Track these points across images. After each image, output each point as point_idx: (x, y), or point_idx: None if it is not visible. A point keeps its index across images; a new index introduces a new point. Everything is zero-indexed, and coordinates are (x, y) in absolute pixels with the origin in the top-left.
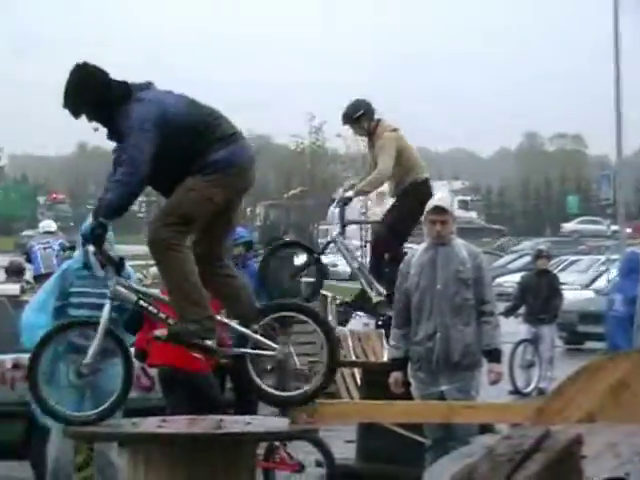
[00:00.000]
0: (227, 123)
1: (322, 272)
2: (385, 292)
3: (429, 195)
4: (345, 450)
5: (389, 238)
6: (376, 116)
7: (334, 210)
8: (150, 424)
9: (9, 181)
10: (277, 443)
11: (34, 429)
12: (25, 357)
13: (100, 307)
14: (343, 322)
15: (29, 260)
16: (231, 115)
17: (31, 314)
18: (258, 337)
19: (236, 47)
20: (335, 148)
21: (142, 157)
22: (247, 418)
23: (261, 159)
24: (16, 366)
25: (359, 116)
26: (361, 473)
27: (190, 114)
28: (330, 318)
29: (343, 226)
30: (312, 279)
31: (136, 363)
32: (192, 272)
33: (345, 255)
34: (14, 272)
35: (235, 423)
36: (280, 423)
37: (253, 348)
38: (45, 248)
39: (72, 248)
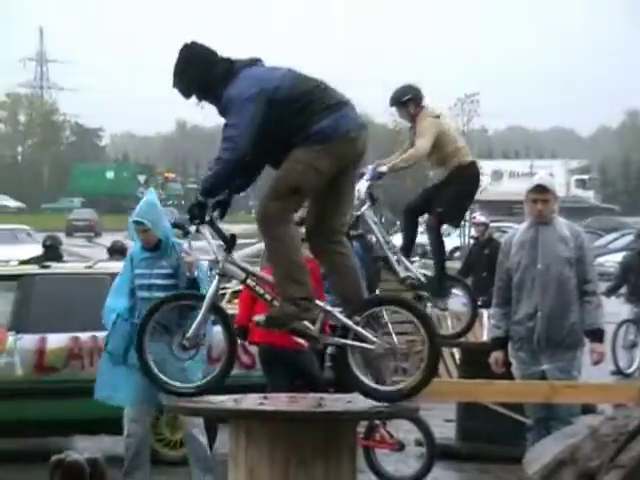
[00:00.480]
0: (333, 93)
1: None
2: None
3: (477, 176)
4: (445, 429)
5: (438, 218)
6: (423, 102)
7: (365, 184)
8: (251, 401)
9: (110, 160)
10: (377, 422)
11: None
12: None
13: (153, 288)
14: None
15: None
16: None
17: (109, 297)
18: (359, 329)
19: (332, 30)
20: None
21: (242, 133)
22: (347, 397)
23: None
24: None
25: (406, 100)
26: (461, 452)
27: (295, 87)
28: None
29: (373, 201)
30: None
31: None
32: (295, 249)
33: (374, 230)
34: (117, 251)
35: (335, 401)
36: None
37: (354, 339)
38: None
39: (175, 225)
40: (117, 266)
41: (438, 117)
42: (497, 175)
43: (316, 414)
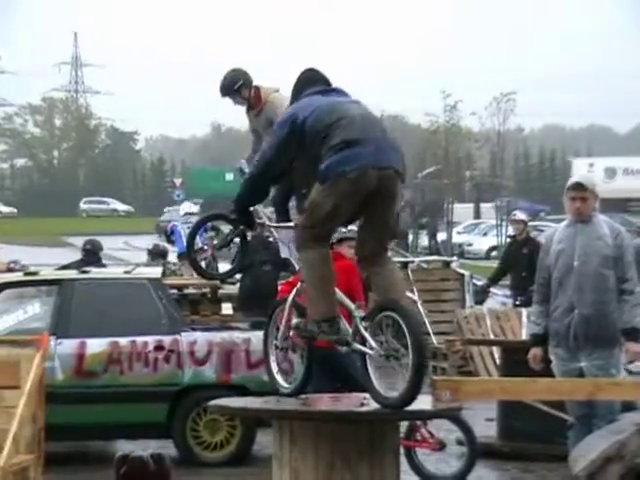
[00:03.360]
0: (353, 129)
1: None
2: None
3: None
4: (485, 428)
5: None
6: (255, 85)
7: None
8: (294, 401)
9: (147, 163)
10: (418, 421)
11: (176, 409)
12: (167, 339)
13: None
14: (480, 301)
15: (169, 241)
16: (365, 97)
17: None
18: (364, 333)
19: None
20: (469, 126)
21: (271, 157)
22: None
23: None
24: (159, 347)
25: (239, 86)
26: (502, 451)
27: (318, 120)
28: (468, 297)
29: None
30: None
31: None
32: (319, 275)
33: (266, 221)
34: (158, 254)
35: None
36: (423, 402)
37: (361, 344)
38: (188, 227)
39: (214, 228)
40: (156, 271)
41: (278, 91)
42: (610, 172)
43: (360, 414)
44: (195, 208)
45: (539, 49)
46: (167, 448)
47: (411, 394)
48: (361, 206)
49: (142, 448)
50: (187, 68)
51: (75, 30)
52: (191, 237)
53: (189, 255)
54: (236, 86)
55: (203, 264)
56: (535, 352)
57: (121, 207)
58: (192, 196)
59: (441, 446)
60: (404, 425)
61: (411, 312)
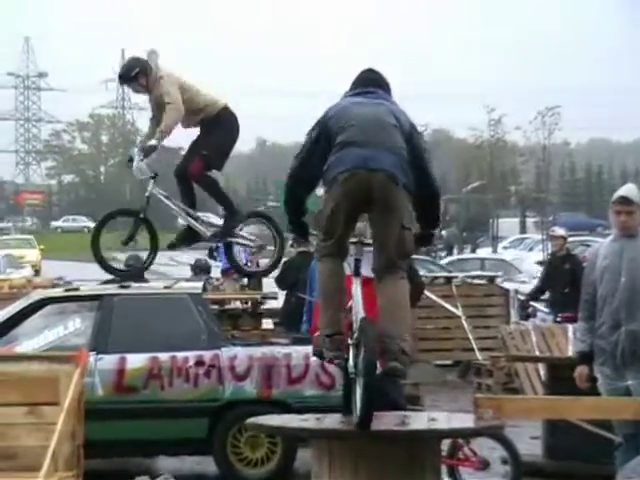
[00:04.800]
0: (353, 131)
1: (153, 228)
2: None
3: (235, 119)
4: (530, 447)
5: (201, 162)
6: (153, 69)
7: (140, 164)
8: (333, 420)
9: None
10: (461, 440)
11: (217, 425)
12: (208, 354)
13: None
14: (525, 317)
15: (212, 257)
16: (408, 110)
17: None
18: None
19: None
20: (514, 140)
21: (299, 162)
22: (432, 414)
23: (440, 153)
24: (199, 363)
25: (136, 74)
26: (547, 470)
27: (333, 123)
28: (513, 313)
29: (154, 175)
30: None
31: (316, 361)
32: (328, 286)
33: (167, 203)
34: (201, 269)
35: (418, 420)
36: (466, 420)
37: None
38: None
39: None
40: (197, 286)
41: (171, 74)
42: None
43: (400, 433)
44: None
45: (585, 62)
46: (207, 464)
47: (362, 416)
48: (359, 213)
49: (149, 475)
50: (232, 85)
51: (122, 47)
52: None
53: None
54: (133, 73)
55: (245, 281)
56: (581, 370)
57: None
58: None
59: (484, 465)
60: (446, 443)
61: (368, 331)
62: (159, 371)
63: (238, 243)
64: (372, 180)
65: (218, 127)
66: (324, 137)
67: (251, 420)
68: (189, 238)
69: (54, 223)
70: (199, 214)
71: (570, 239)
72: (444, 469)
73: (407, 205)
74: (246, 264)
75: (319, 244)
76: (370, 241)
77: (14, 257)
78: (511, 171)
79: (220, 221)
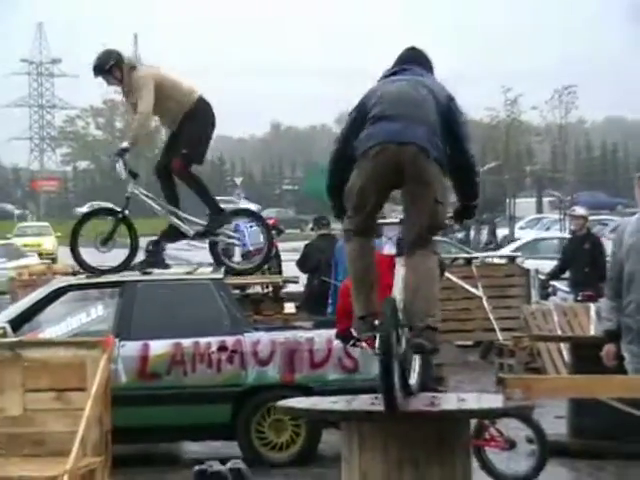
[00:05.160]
0: (384, 105)
1: (134, 229)
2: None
3: (210, 109)
4: (555, 426)
5: (184, 162)
6: (129, 64)
7: (117, 166)
8: (363, 402)
9: (206, 163)
10: (487, 420)
11: (240, 410)
12: (230, 339)
13: None
14: (545, 297)
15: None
16: None
17: None
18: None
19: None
20: (530, 120)
21: (339, 144)
22: (460, 395)
23: None
24: (222, 348)
25: (111, 66)
26: (573, 449)
27: (367, 100)
28: (533, 292)
29: (132, 175)
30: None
31: (339, 345)
32: (355, 266)
33: (149, 202)
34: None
35: (448, 400)
36: (494, 400)
37: None
38: (252, 226)
39: (275, 228)
40: (219, 272)
41: (148, 71)
42: None
43: (429, 413)
44: (256, 207)
45: (599, 40)
46: (232, 448)
47: (383, 396)
48: (390, 188)
49: (219, 459)
50: (246, 66)
51: (135, 31)
52: None
53: None
54: (107, 66)
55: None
56: (609, 349)
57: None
58: (311, 197)
59: (511, 445)
60: (472, 424)
61: (387, 309)
62: (182, 357)
63: (222, 241)
64: (402, 154)
65: (195, 121)
66: (360, 117)
67: (281, 403)
68: (172, 236)
69: (79, 209)
70: (182, 213)
71: (590, 218)
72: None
73: (440, 179)
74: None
75: (346, 221)
76: (395, 220)
77: (16, 247)
78: (526, 151)
79: (198, 221)
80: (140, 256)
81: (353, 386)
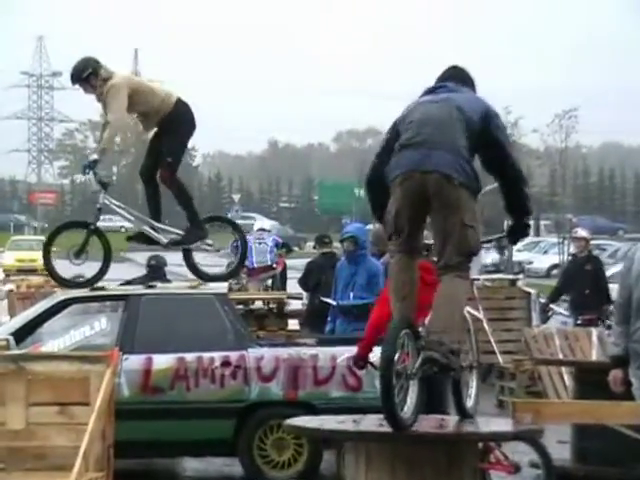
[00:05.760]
0: (410, 131)
1: (107, 241)
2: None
3: (189, 111)
4: (558, 451)
5: (170, 170)
6: (105, 71)
7: (88, 177)
8: (371, 422)
9: (203, 179)
10: (492, 443)
11: (243, 426)
12: (234, 354)
13: None
14: (545, 320)
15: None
16: None
17: None
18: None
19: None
20: (530, 144)
21: (376, 159)
22: (469, 418)
23: None
24: (225, 363)
25: (88, 75)
26: (578, 475)
27: (401, 119)
28: (534, 316)
29: (103, 185)
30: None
31: (344, 363)
32: (394, 279)
33: (120, 212)
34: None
35: (456, 423)
36: (504, 424)
37: None
38: (260, 243)
39: (285, 246)
40: (222, 286)
41: (124, 76)
42: None
43: (439, 435)
44: (269, 225)
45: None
46: (235, 466)
47: (384, 413)
48: (423, 212)
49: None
50: (244, 85)
51: (136, 47)
52: None
53: None
54: (84, 74)
55: (270, 282)
56: (616, 374)
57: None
58: (323, 211)
59: (516, 469)
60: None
61: (390, 326)
62: (185, 372)
63: (195, 248)
64: (426, 181)
65: (177, 125)
66: (393, 137)
67: (288, 421)
68: (145, 241)
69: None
70: (159, 224)
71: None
72: None
73: (467, 203)
74: (272, 266)
75: (391, 243)
76: None
77: None
78: (527, 174)
79: (171, 229)
80: (136, 270)
81: (357, 404)
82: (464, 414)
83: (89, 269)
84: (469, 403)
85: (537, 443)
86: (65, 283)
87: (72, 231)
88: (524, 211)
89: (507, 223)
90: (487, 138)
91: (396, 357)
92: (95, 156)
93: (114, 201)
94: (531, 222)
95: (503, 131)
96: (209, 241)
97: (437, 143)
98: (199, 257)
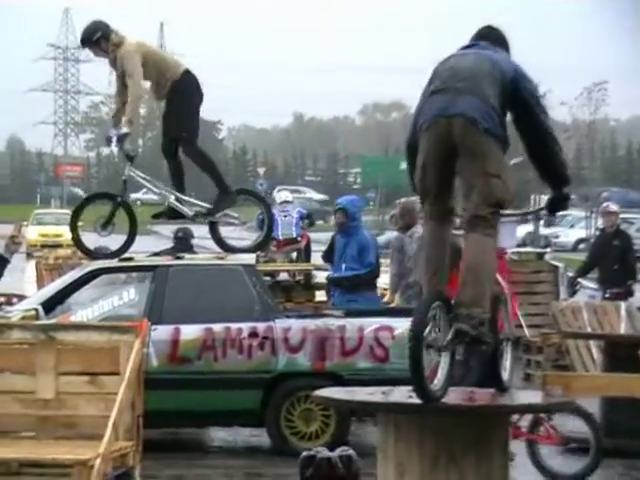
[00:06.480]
0: (438, 79)
1: (131, 212)
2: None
3: (195, 81)
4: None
5: (189, 145)
6: (116, 36)
7: (113, 149)
8: (400, 394)
9: (228, 153)
10: (542, 415)
11: (270, 397)
12: (261, 325)
13: None
14: (573, 294)
15: (261, 229)
16: None
17: None
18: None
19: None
20: (556, 117)
21: (412, 120)
22: (498, 390)
23: None
24: (253, 334)
25: (98, 38)
26: (605, 448)
27: (431, 77)
28: (562, 289)
29: (129, 158)
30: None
31: (370, 333)
32: (426, 248)
33: (146, 184)
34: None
35: (486, 395)
36: (534, 396)
37: None
38: (285, 216)
39: (309, 217)
40: (250, 257)
41: (136, 43)
42: None
43: (468, 408)
44: (291, 197)
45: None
46: (261, 436)
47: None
48: (450, 166)
49: (329, 448)
50: (270, 58)
51: (161, 20)
52: None
53: None
54: (94, 37)
55: (294, 255)
56: None
57: (316, 196)
58: (367, 185)
59: (565, 442)
60: (527, 419)
61: (420, 302)
62: (213, 342)
63: (221, 221)
64: (451, 126)
65: (184, 95)
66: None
67: (317, 392)
68: (172, 215)
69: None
70: (184, 196)
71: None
72: (524, 445)
73: (493, 150)
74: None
75: (422, 206)
76: (508, 211)
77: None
78: None
79: (195, 202)
80: (163, 243)
81: (384, 376)
82: (500, 386)
83: (115, 242)
84: (505, 376)
85: (589, 416)
86: (91, 254)
87: (99, 203)
88: (561, 179)
89: (533, 198)
90: (518, 96)
91: (427, 330)
92: (125, 130)
93: (139, 173)
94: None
95: (534, 90)
96: (234, 214)
97: (463, 89)
98: (226, 231)
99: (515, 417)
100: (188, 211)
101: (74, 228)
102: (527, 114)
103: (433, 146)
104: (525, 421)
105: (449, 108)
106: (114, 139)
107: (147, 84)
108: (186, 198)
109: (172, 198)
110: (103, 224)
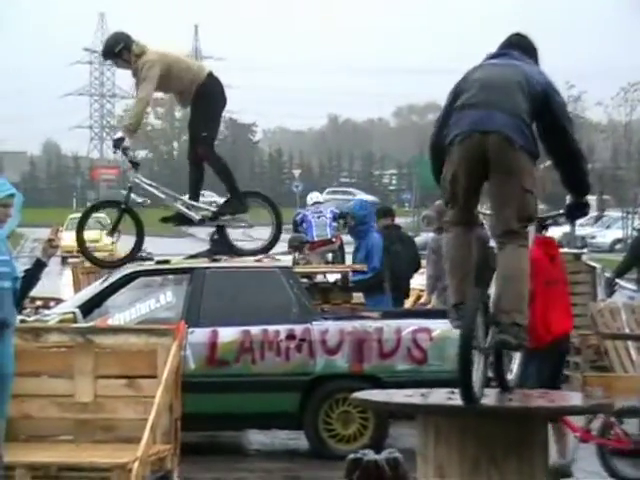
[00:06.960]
0: (470, 92)
1: (137, 216)
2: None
3: (219, 85)
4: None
5: (206, 145)
6: (137, 47)
7: (119, 156)
8: (439, 396)
9: (264, 155)
10: (613, 419)
11: (308, 399)
12: (299, 327)
13: None
14: (610, 295)
15: (296, 231)
16: None
17: None
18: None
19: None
20: (592, 118)
21: (436, 126)
22: (539, 392)
23: None
24: (290, 336)
25: (120, 49)
26: None
27: (461, 84)
28: (600, 290)
29: (134, 165)
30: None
31: (408, 335)
32: (450, 255)
33: (152, 190)
34: (296, 247)
35: (526, 397)
36: (574, 398)
37: None
38: (319, 217)
39: (342, 216)
40: (287, 259)
41: (158, 53)
42: None
43: (508, 409)
44: (322, 197)
45: None
46: (299, 439)
47: (459, 388)
48: (480, 177)
49: (374, 451)
50: (305, 60)
51: (196, 23)
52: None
53: None
54: (117, 49)
55: (330, 256)
56: None
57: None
58: (424, 187)
59: (636, 446)
60: (599, 422)
61: (468, 300)
62: (251, 344)
63: (229, 225)
64: (487, 142)
65: (208, 100)
66: (454, 102)
67: (356, 394)
68: (180, 220)
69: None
70: (191, 201)
71: None
72: (594, 449)
73: (527, 167)
74: (331, 240)
75: (447, 213)
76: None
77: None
78: (587, 148)
79: (203, 206)
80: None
81: (421, 378)
82: (504, 386)
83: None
84: (510, 376)
85: None
86: (98, 263)
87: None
88: (583, 187)
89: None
90: (547, 111)
91: (474, 333)
92: (120, 134)
93: (145, 180)
94: (593, 198)
95: (563, 106)
96: (244, 217)
97: (499, 105)
98: (257, 233)
99: (585, 421)
100: (195, 215)
101: (81, 237)
102: (557, 129)
103: (466, 158)
104: (596, 424)
105: (484, 123)
106: (113, 146)
107: (160, 94)
108: (194, 203)
109: (179, 203)
110: (110, 231)
